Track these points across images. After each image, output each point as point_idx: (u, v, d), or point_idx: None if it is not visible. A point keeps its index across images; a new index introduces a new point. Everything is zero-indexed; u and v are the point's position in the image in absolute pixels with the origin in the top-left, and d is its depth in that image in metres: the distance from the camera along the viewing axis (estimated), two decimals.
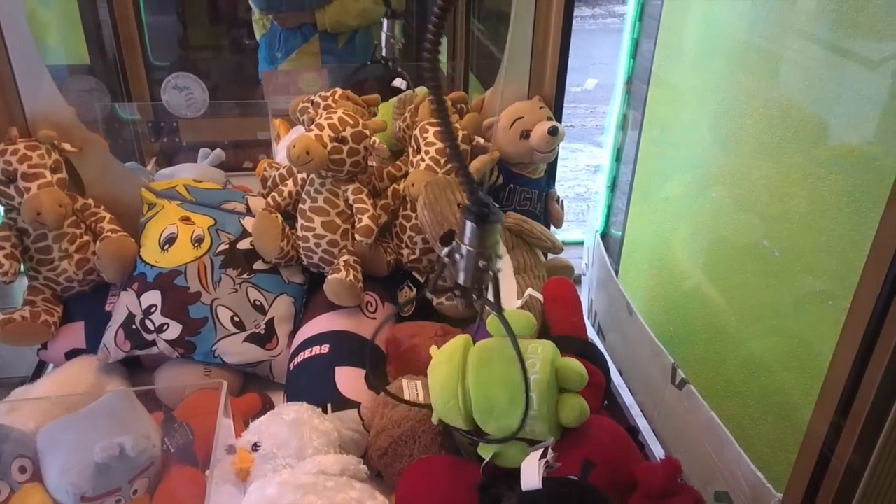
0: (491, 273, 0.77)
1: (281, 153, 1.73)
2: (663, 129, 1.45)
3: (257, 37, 2.22)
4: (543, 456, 0.79)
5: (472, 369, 0.89)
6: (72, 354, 1.23)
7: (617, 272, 1.62)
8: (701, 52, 1.32)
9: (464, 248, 0.76)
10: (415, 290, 1.33)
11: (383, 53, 1.92)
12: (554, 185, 1.39)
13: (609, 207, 1.91)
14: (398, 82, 2.02)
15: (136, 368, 1.25)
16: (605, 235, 1.79)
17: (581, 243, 1.85)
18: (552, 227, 1.39)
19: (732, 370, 1.11)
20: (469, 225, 0.73)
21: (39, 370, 1.30)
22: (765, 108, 1.16)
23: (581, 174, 3.91)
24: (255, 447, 0.99)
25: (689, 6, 1.36)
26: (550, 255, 1.32)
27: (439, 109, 0.63)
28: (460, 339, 0.94)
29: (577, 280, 1.63)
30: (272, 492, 0.90)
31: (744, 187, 1.18)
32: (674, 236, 1.36)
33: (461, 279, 0.78)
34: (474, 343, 1.19)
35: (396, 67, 1.96)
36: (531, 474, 0.77)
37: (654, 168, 1.50)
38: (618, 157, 1.87)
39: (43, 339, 1.22)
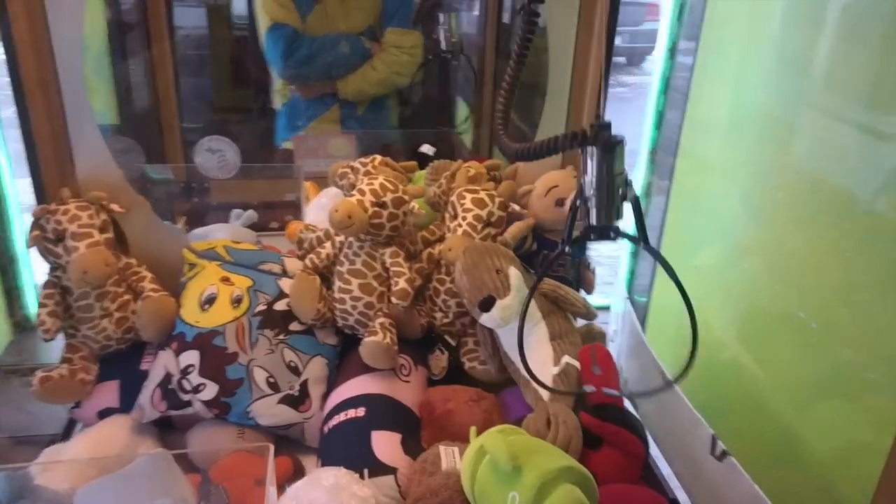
0: (631, 200, 0.75)
1: (310, 215, 1.76)
2: (693, 199, 1.48)
3: (277, 106, 2.29)
4: None
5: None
6: (104, 413, 1.23)
7: None
8: (731, 126, 1.36)
9: (589, 186, 0.74)
10: (446, 353, 1.34)
11: (442, 47, 1.96)
12: (586, 252, 1.41)
13: (632, 273, 1.93)
14: (425, 148, 2.07)
15: (166, 429, 1.25)
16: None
17: (606, 308, 1.86)
18: (583, 294, 1.40)
19: (771, 442, 1.10)
20: (591, 158, 0.72)
21: (70, 427, 1.29)
22: (796, 181, 1.19)
23: None
24: None
25: (718, 81, 1.40)
26: (581, 321, 1.32)
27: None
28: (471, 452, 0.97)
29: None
30: None
31: (777, 258, 1.19)
32: (706, 305, 1.36)
33: (594, 219, 0.76)
34: (506, 412, 1.20)
35: (459, 57, 2.00)
36: None
37: (683, 237, 1.52)
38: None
39: (78, 398, 1.22)
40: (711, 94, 1.42)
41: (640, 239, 0.79)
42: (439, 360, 1.34)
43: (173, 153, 2.29)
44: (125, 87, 2.25)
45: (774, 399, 1.13)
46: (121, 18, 2.20)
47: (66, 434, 1.28)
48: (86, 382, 1.21)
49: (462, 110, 2.64)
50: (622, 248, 1.97)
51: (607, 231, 0.77)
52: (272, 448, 0.94)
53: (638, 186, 1.88)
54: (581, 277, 1.37)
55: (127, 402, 1.22)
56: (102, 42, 2.17)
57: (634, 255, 1.93)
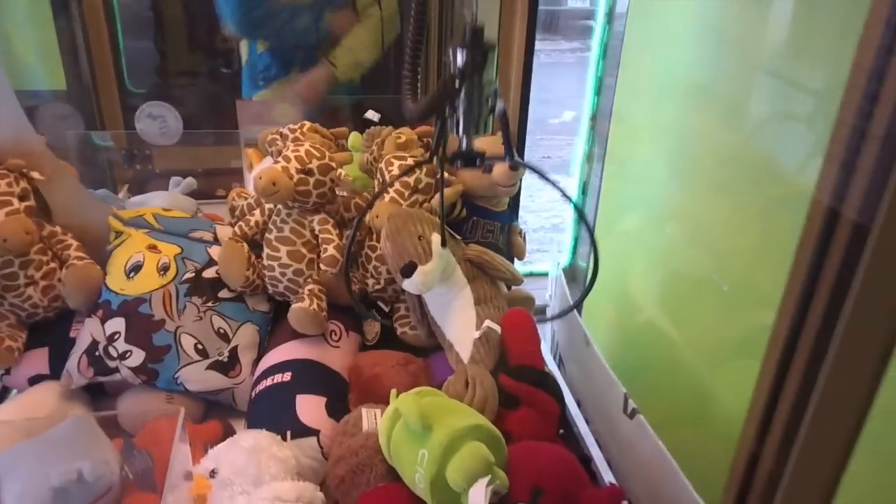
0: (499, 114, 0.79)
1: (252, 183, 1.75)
2: (622, 164, 1.50)
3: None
4: (491, 483, 0.81)
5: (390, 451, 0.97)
6: (35, 380, 1.23)
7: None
8: (659, 92, 1.38)
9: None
10: (380, 319, 1.35)
11: None
12: (517, 218, 1.43)
13: (576, 239, 1.96)
14: (369, 114, 2.06)
15: (99, 395, 1.26)
16: (572, 267, 1.83)
17: (545, 274, 1.89)
18: (515, 260, 1.42)
19: (686, 401, 1.14)
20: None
21: (4, 394, 1.30)
22: (719, 147, 1.21)
23: (557, 205, 3.98)
24: (213, 474, 1.00)
25: (647, 47, 1.41)
26: (514, 287, 1.34)
27: None
28: (388, 414, 0.99)
29: (543, 310, 1.67)
30: None
31: (697, 224, 1.22)
32: (631, 270, 1.39)
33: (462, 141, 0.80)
34: (434, 375, 1.22)
35: None
36: (478, 500, 0.79)
37: (615, 202, 1.54)
38: (584, 190, 1.91)
39: (6, 365, 1.22)
40: (640, 58, 1.43)
41: (508, 156, 0.82)
42: (372, 326, 1.36)
43: (115, 120, 2.25)
44: (71, 53, 2.20)
45: (688, 359, 1.16)
46: None
47: None
48: (13, 350, 1.21)
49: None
50: (566, 214, 1.98)
51: (473, 157, 0.82)
52: (183, 410, 0.95)
53: (579, 154, 1.90)
54: (511, 243, 1.39)
55: (57, 369, 1.22)
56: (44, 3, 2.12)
57: (578, 222, 1.96)
